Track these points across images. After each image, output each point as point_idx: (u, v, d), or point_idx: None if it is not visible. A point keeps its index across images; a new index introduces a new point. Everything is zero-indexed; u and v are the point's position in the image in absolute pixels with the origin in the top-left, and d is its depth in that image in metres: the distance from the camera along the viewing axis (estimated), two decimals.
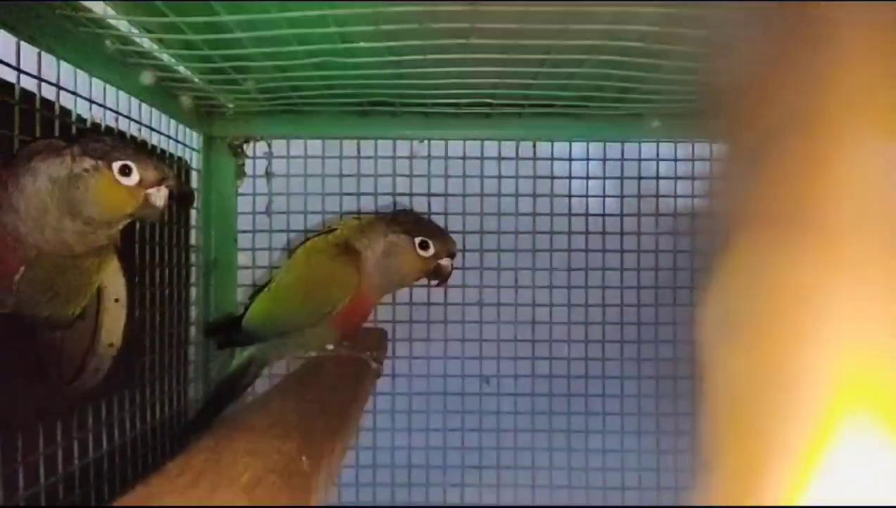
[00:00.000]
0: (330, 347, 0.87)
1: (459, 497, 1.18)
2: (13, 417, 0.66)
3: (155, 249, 0.95)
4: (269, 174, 1.16)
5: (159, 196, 0.61)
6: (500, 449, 1.18)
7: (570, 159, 1.17)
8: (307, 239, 0.94)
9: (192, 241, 1.10)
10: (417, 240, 0.84)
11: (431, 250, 0.85)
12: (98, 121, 0.81)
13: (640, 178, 1.18)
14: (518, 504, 1.18)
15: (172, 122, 1.00)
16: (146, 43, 0.82)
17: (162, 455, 0.98)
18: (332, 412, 0.54)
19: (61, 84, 0.72)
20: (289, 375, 0.71)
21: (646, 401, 1.18)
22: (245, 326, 0.91)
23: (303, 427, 0.47)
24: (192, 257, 1.10)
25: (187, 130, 1.06)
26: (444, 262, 0.87)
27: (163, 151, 0.98)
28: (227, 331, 0.96)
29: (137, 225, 0.89)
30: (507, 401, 1.18)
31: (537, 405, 1.18)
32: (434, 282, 0.93)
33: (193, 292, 1.10)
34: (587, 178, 1.17)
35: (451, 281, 1.15)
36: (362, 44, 0.80)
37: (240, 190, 1.16)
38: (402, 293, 1.15)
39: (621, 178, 1.18)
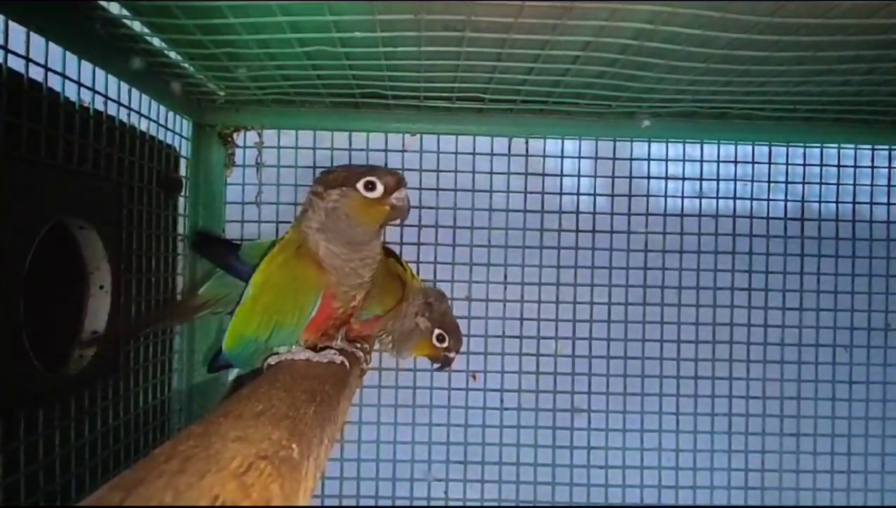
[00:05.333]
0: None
1: (444, 492, 1.18)
2: None
3: (142, 236, 0.94)
4: (258, 164, 1.15)
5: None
6: (486, 445, 1.18)
7: (562, 157, 1.18)
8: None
9: (180, 230, 1.08)
10: (360, 184, 0.72)
11: (379, 190, 0.72)
12: (86, 104, 0.80)
13: (630, 177, 1.18)
14: (503, 500, 1.18)
15: (162, 108, 0.99)
16: (137, 26, 0.81)
17: (145, 444, 0.97)
18: (321, 402, 0.54)
19: (49, 66, 0.71)
20: (278, 364, 0.71)
21: (631, 399, 1.18)
22: (225, 353, 0.81)
23: (292, 416, 0.46)
24: (179, 246, 1.09)
25: (177, 117, 1.05)
26: (398, 197, 0.73)
27: (151, 137, 0.97)
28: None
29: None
30: (494, 397, 1.18)
31: (524, 401, 1.18)
32: (395, 219, 0.76)
33: (180, 281, 1.09)
34: (578, 176, 1.18)
35: (440, 274, 1.16)
36: (357, 34, 0.79)
37: (229, 179, 1.15)
38: None
39: (612, 177, 1.18)
